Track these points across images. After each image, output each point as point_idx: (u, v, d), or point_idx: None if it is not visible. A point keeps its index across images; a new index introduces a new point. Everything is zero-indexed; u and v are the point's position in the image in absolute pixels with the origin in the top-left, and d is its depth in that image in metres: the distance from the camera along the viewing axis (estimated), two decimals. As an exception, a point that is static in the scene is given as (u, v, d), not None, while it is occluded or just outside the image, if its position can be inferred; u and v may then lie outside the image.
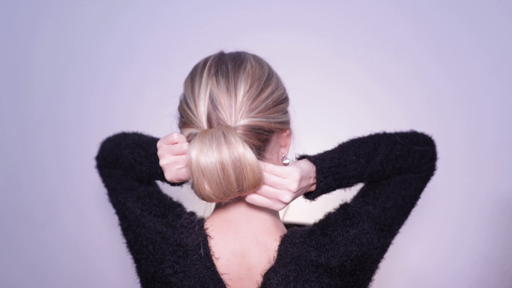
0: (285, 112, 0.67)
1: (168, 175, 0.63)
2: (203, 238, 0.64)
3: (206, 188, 0.57)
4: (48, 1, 1.37)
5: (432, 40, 1.23)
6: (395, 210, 0.70)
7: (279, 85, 0.66)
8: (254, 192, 0.61)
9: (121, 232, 0.72)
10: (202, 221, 0.66)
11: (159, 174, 0.70)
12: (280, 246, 0.64)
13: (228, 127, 0.58)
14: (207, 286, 0.62)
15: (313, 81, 1.29)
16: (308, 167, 0.64)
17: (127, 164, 0.75)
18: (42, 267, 1.51)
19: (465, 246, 1.28)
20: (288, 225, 0.73)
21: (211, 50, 0.70)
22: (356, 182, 0.70)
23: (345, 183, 0.69)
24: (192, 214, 0.68)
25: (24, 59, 1.42)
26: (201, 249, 0.62)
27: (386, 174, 0.71)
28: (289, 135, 0.70)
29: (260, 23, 1.30)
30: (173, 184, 0.70)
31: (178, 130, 0.69)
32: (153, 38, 1.36)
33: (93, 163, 0.84)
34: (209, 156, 0.56)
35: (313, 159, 0.66)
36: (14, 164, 1.48)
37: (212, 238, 0.64)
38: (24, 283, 1.52)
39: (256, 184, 0.59)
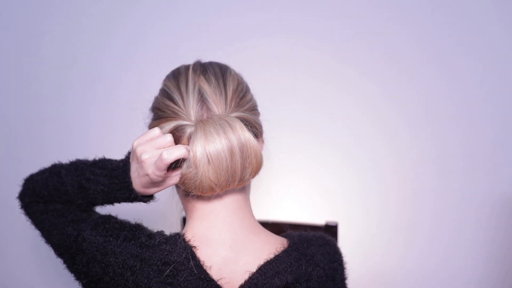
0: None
1: (149, 169, 0.58)
2: (190, 250, 0.60)
3: (211, 178, 0.57)
4: (51, 2, 1.38)
5: (429, 41, 1.23)
6: None
7: (253, 96, 0.69)
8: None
9: (77, 271, 0.65)
10: (181, 235, 0.62)
11: (124, 188, 0.64)
12: (255, 274, 0.61)
13: (227, 115, 0.59)
14: None
15: (308, 84, 1.30)
16: None
17: (75, 188, 0.68)
18: (42, 267, 1.51)
19: (465, 247, 1.28)
20: (279, 225, 0.73)
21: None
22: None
23: None
24: (162, 232, 0.64)
25: (26, 59, 1.43)
26: (191, 262, 0.59)
27: None
28: (263, 144, 0.70)
29: (262, 26, 1.30)
30: (141, 198, 0.65)
31: (147, 129, 0.68)
32: (156, 39, 1.36)
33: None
34: (216, 143, 0.55)
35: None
36: (14, 164, 1.48)
37: (197, 249, 0.61)
38: (23, 284, 1.52)
39: (258, 170, 0.60)
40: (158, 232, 0.63)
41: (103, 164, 0.66)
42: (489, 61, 1.21)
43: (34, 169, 1.44)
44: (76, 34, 1.39)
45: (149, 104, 1.34)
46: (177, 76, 0.65)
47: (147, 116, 0.70)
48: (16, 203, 1.45)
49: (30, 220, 0.73)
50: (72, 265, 0.65)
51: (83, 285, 0.65)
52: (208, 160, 0.56)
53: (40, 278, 1.52)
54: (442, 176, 1.27)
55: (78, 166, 0.68)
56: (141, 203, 0.66)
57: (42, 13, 1.39)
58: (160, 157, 0.55)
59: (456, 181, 1.26)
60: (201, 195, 0.62)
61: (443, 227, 1.29)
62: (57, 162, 0.74)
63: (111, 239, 0.61)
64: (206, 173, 0.56)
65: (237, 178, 0.58)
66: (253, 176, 0.61)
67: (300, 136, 1.31)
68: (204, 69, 0.65)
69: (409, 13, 1.23)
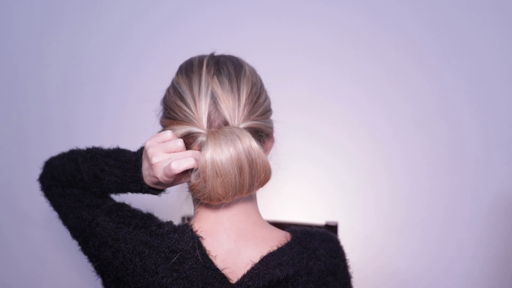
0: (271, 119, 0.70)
1: (158, 173, 0.60)
2: (197, 240, 0.62)
3: (219, 188, 0.57)
4: (59, 4, 1.38)
5: (424, 43, 1.23)
6: None
7: (267, 93, 0.69)
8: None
9: (87, 255, 0.68)
10: (189, 225, 0.65)
11: (136, 181, 0.66)
12: (258, 264, 0.63)
13: (238, 128, 0.58)
14: (212, 286, 0.61)
15: (306, 87, 1.30)
16: None
17: (91, 177, 0.70)
18: (44, 265, 1.51)
19: (465, 246, 1.28)
20: (280, 225, 0.74)
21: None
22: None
23: None
24: (171, 222, 0.66)
25: (32, 59, 1.43)
26: (197, 251, 0.61)
27: None
28: (273, 143, 0.71)
29: (244, 15, 1.30)
30: (152, 191, 0.67)
31: (159, 124, 0.69)
32: (138, 35, 1.36)
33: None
34: (226, 158, 0.56)
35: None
36: (18, 163, 1.48)
37: (204, 239, 0.64)
38: (27, 280, 1.52)
39: (266, 182, 0.60)
40: (167, 222, 0.65)
41: (117, 156, 0.68)
42: (488, 61, 1.21)
43: (28, 170, 1.46)
44: (83, 35, 1.39)
45: (136, 103, 1.34)
46: (190, 74, 0.64)
47: (158, 108, 0.70)
48: (18, 202, 1.48)
49: (49, 202, 0.76)
50: (86, 248, 0.68)
51: (95, 268, 0.67)
52: (217, 174, 0.56)
53: (42, 278, 1.52)
54: (443, 176, 1.27)
55: (94, 155, 0.70)
56: (153, 195, 0.69)
57: (50, 15, 1.40)
58: (169, 166, 0.57)
59: (457, 181, 1.27)
60: (209, 203, 0.63)
61: (444, 227, 1.29)
62: (75, 148, 0.77)
63: (123, 226, 0.64)
64: (214, 187, 0.57)
65: (245, 190, 0.59)
66: (261, 187, 0.61)
67: (300, 138, 1.32)
68: (217, 68, 0.63)
69: (404, 16, 1.23)
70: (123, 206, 0.69)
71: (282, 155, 1.28)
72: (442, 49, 1.23)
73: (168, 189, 0.68)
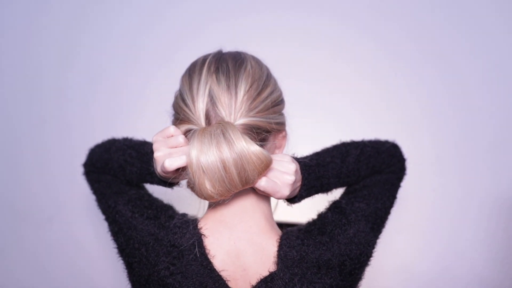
0: (282, 114, 0.69)
1: (158, 167, 0.62)
2: (198, 238, 0.63)
3: (208, 187, 0.56)
4: (49, 1, 1.38)
5: (429, 42, 1.24)
6: (384, 211, 0.72)
7: (276, 87, 0.68)
8: (263, 176, 0.60)
9: (112, 237, 0.71)
10: (195, 221, 0.65)
11: (151, 173, 0.69)
12: (279, 251, 0.63)
13: (227, 123, 0.57)
14: (205, 285, 0.61)
15: (308, 85, 1.30)
16: (294, 161, 0.65)
17: (117, 166, 0.74)
18: (42, 266, 1.51)
19: (465, 246, 1.29)
20: (278, 225, 0.73)
21: (212, 49, 0.71)
22: (335, 185, 0.72)
23: (326, 184, 0.70)
24: (184, 215, 0.67)
25: (27, 59, 1.43)
26: (196, 249, 0.62)
27: (361, 174, 0.74)
28: (285, 136, 0.70)
29: (261, 26, 1.31)
30: (164, 183, 0.68)
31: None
32: (154, 38, 1.37)
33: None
34: (209, 155, 0.55)
35: (295, 158, 0.67)
36: (16, 164, 1.49)
37: (206, 237, 0.64)
38: (24, 282, 1.52)
39: (264, 169, 0.58)
40: (180, 214, 0.67)
41: (139, 148, 0.72)
42: (489, 61, 1.21)
43: (32, 169, 1.47)
44: (77, 34, 1.40)
45: (150, 105, 1.35)
46: (192, 74, 0.64)
47: (170, 112, 0.71)
48: (17, 202, 1.48)
49: (89, 186, 0.80)
50: (111, 231, 0.71)
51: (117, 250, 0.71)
52: (203, 171, 0.56)
53: (42, 278, 1.52)
54: (442, 176, 1.27)
55: (123, 146, 0.74)
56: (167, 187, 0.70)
57: (43, 14, 1.40)
58: (163, 164, 0.58)
59: (456, 181, 1.27)
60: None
61: (443, 227, 1.29)
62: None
63: (137, 216, 0.67)
64: (202, 183, 0.56)
65: (238, 184, 0.57)
66: (261, 176, 0.59)
67: (300, 139, 1.32)
68: (217, 66, 0.63)
69: (410, 12, 1.23)
70: (144, 196, 0.72)
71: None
72: (445, 49, 1.23)
73: (182, 182, 0.68)
